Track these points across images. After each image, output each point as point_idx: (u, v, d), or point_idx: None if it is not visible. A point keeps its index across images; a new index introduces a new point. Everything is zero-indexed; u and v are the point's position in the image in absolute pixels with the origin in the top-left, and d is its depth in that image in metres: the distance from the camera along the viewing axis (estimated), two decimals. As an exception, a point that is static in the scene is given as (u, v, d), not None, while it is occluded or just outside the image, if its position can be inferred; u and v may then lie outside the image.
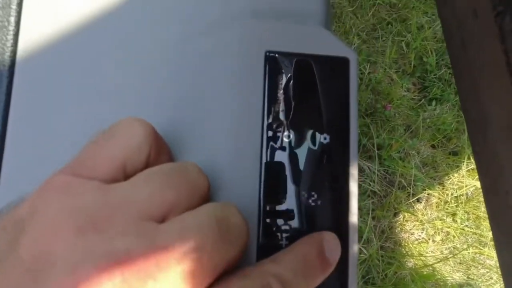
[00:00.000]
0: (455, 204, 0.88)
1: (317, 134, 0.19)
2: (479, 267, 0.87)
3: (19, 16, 0.19)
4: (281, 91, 0.19)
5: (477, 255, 0.87)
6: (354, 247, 0.18)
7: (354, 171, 0.19)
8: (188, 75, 0.19)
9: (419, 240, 0.85)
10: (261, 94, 0.19)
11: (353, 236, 0.18)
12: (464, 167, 0.90)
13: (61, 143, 0.18)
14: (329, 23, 0.22)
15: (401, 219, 0.86)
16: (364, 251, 0.79)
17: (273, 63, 0.19)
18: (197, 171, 0.15)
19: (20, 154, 0.17)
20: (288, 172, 0.18)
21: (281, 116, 0.19)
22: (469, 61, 0.43)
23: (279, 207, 0.18)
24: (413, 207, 0.87)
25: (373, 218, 0.83)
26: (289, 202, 0.18)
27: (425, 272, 0.81)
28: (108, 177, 0.13)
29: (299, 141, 0.18)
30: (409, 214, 0.87)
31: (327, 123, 0.19)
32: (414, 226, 0.86)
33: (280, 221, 0.17)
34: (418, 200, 0.88)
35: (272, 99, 0.19)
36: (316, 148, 0.18)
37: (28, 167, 0.17)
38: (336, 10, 0.96)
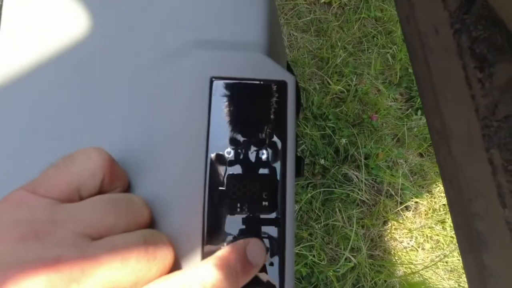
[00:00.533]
0: (444, 211, 0.89)
1: (256, 150, 0.21)
2: (470, 275, 0.87)
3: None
4: (225, 113, 0.21)
5: (468, 262, 0.87)
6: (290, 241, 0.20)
7: (290, 183, 0.21)
8: (141, 104, 0.21)
9: (409, 248, 0.86)
10: (206, 117, 0.21)
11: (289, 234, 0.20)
12: (451, 175, 0.91)
13: (23, 166, 0.20)
14: (276, 48, 0.24)
15: (390, 227, 0.87)
16: (353, 259, 0.80)
17: (217, 88, 0.21)
18: (141, 203, 0.17)
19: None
20: (230, 188, 0.20)
21: (225, 136, 0.21)
22: (431, 75, 0.46)
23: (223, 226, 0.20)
24: (402, 215, 0.88)
25: (362, 226, 0.84)
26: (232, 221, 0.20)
27: (415, 280, 0.82)
28: (63, 197, 0.15)
29: (240, 157, 0.20)
30: (398, 223, 0.87)
31: (266, 140, 0.21)
32: (403, 234, 0.87)
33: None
34: (406, 208, 0.89)
35: (216, 121, 0.21)
36: (254, 162, 0.21)
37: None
38: (323, 25, 0.99)
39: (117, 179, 0.18)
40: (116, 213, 0.16)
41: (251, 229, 0.20)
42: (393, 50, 1.00)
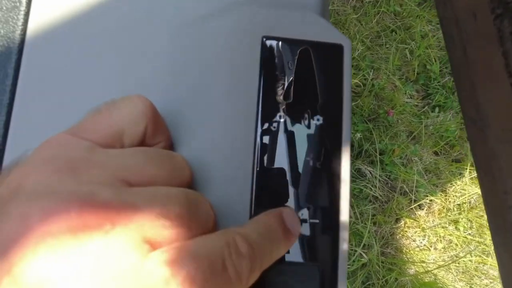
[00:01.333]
0: (458, 211, 0.87)
1: (311, 116, 0.19)
2: (482, 277, 0.85)
3: (30, -2, 0.20)
4: (276, 76, 0.20)
5: (481, 264, 0.86)
6: (345, 228, 0.19)
7: (346, 153, 0.19)
8: (188, 61, 0.20)
9: (421, 247, 0.84)
10: (257, 78, 0.19)
11: (344, 218, 0.19)
12: (467, 174, 0.90)
13: (64, 116, 0.19)
14: (325, 12, 0.22)
15: (403, 225, 0.85)
16: (365, 256, 0.78)
17: (269, 48, 0.20)
18: (184, 162, 0.16)
19: (25, 125, 0.18)
20: (283, 152, 0.19)
21: (276, 100, 0.19)
22: (468, 63, 0.44)
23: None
24: (415, 213, 0.86)
25: (374, 223, 0.83)
26: (282, 183, 0.19)
27: (426, 280, 0.80)
28: (104, 142, 0.14)
29: (293, 123, 0.19)
30: (411, 221, 0.86)
31: (321, 106, 0.19)
32: (415, 232, 0.85)
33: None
34: (420, 207, 0.87)
35: (267, 83, 0.19)
36: (310, 129, 0.19)
37: (33, 137, 0.18)
38: (341, 17, 0.97)
39: (160, 132, 0.17)
40: (158, 164, 0.14)
41: (303, 200, 0.18)
42: (411, 46, 0.98)
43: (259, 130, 0.19)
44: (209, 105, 0.19)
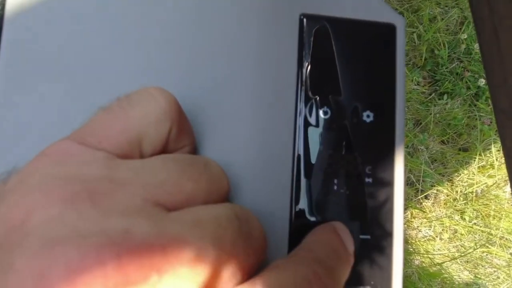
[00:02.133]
0: (464, 201, 0.86)
1: (360, 111, 0.16)
2: (486, 266, 0.85)
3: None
4: (318, 61, 0.16)
5: (485, 254, 0.85)
6: (399, 245, 0.16)
7: (400, 156, 0.16)
8: (212, 46, 0.16)
9: (427, 238, 0.83)
10: (295, 66, 0.16)
11: (398, 237, 0.16)
12: (474, 164, 0.88)
13: (56, 114, 0.15)
14: None
15: (409, 215, 0.83)
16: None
17: (308, 28, 0.16)
18: (220, 169, 0.13)
19: (6, 124, 0.14)
20: (328, 154, 0.16)
21: (318, 89, 0.16)
22: (500, 48, 0.40)
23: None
24: (421, 203, 0.85)
25: (379, 214, 0.81)
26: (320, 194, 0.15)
27: (431, 270, 0.79)
28: (120, 151, 0.11)
29: (338, 118, 0.16)
30: (417, 211, 0.84)
31: (370, 98, 0.16)
32: (421, 223, 0.84)
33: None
34: (426, 197, 0.85)
35: (306, 72, 0.16)
36: (359, 127, 0.16)
37: (17, 140, 0.14)
38: None
39: (185, 133, 0.13)
40: (195, 179, 0.11)
41: (351, 212, 0.15)
42: (419, 30, 0.94)
43: (299, 128, 0.15)
44: (238, 99, 0.15)
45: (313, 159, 0.15)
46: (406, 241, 0.82)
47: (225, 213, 0.11)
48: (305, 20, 0.16)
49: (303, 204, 0.15)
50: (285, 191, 0.15)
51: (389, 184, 0.16)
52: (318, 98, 0.16)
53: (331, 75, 0.16)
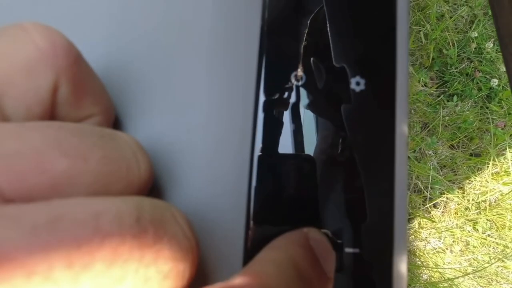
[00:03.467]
0: (477, 211, 0.79)
1: (349, 79, 0.11)
2: (502, 282, 0.78)
3: None
4: (289, 20, 0.12)
5: (500, 268, 0.78)
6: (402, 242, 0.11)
7: (402, 136, 0.12)
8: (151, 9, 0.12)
9: (436, 250, 0.77)
10: (259, 16, 0.12)
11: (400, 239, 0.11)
12: (487, 170, 0.82)
13: None
14: None
15: (416, 225, 0.77)
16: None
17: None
18: (136, 148, 0.09)
19: None
20: (298, 134, 0.11)
21: (290, 51, 0.12)
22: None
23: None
24: (430, 212, 0.79)
25: (384, 223, 0.75)
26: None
27: (441, 286, 0.73)
28: None
29: (316, 85, 0.11)
30: (425, 220, 0.78)
31: (361, 62, 0.11)
32: (430, 233, 0.78)
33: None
34: (435, 206, 0.79)
35: (273, 32, 0.12)
36: (341, 96, 0.11)
37: None
38: (349, -3, 0.89)
39: (89, 96, 0.10)
40: (78, 150, 0.08)
41: (332, 217, 0.11)
42: (426, 29, 0.89)
43: (262, 101, 0.11)
44: (188, 64, 0.11)
45: (277, 143, 0.11)
46: (413, 254, 0.75)
47: (118, 210, 0.07)
48: None
49: (264, 205, 0.11)
50: (242, 187, 0.11)
51: (386, 179, 0.11)
52: (291, 63, 0.11)
53: (308, 29, 0.11)
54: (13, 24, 0.09)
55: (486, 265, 0.75)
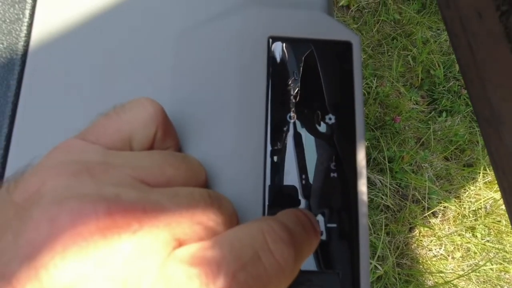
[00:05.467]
0: (474, 218, 0.84)
1: (323, 116, 0.18)
2: (505, 286, 0.81)
3: (33, 9, 0.20)
4: (285, 76, 0.19)
5: (502, 273, 0.82)
6: (364, 221, 0.18)
7: (361, 151, 0.18)
8: (195, 62, 0.19)
9: (438, 257, 0.81)
10: (265, 79, 0.19)
11: (363, 222, 0.18)
12: (480, 179, 0.87)
13: (67, 127, 0.18)
14: (331, 10, 0.22)
15: (417, 234, 0.82)
16: (380, 268, 0.75)
17: (276, 48, 0.19)
18: (198, 162, 0.16)
19: (28, 137, 0.18)
20: (292, 155, 0.18)
21: (285, 100, 0.19)
22: (476, 62, 0.43)
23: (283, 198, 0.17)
24: (429, 221, 0.84)
25: (387, 233, 0.80)
26: (292, 186, 0.18)
27: (446, 291, 0.77)
28: (113, 146, 0.14)
29: (304, 122, 0.18)
30: (426, 229, 0.83)
31: (332, 104, 0.19)
32: (431, 241, 0.82)
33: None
34: (434, 214, 0.84)
35: (275, 83, 0.19)
36: (321, 128, 0.18)
37: (35, 149, 0.17)
38: (341, 28, 0.98)
39: (169, 136, 0.16)
40: (175, 166, 0.14)
41: (318, 202, 0.17)
42: (413, 53, 0.98)
43: (269, 131, 0.18)
44: (216, 108, 0.18)
45: (283, 156, 0.18)
46: (416, 261, 0.80)
47: (199, 191, 0.13)
48: (272, 41, 0.19)
49: (274, 196, 0.17)
50: (258, 184, 0.17)
51: (353, 176, 0.18)
52: (285, 106, 0.18)
53: (298, 86, 0.19)
54: (136, 99, 0.15)
55: (485, 267, 0.79)
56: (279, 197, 0.17)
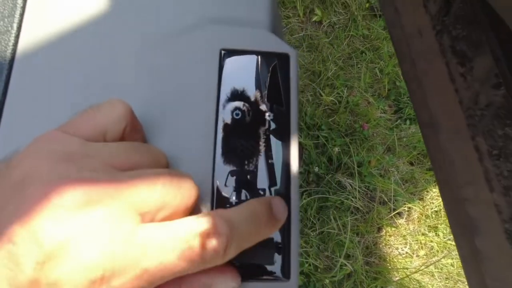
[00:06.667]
0: (436, 218, 0.90)
1: (262, 113, 0.23)
2: (466, 282, 0.87)
3: (20, 23, 0.23)
4: (233, 81, 0.23)
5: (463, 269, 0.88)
6: (296, 199, 0.22)
7: (294, 139, 0.23)
8: (158, 69, 0.23)
9: (403, 255, 0.86)
10: (216, 83, 0.23)
11: (295, 190, 0.22)
12: (441, 182, 0.94)
13: (50, 123, 0.22)
14: (276, 28, 0.27)
15: (385, 234, 0.87)
16: (349, 266, 0.80)
17: (227, 58, 0.24)
18: (160, 150, 0.19)
19: (13, 131, 0.21)
20: (236, 143, 0.22)
21: (232, 100, 0.23)
22: (418, 74, 0.49)
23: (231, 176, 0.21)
24: (396, 222, 0.89)
25: (357, 234, 0.85)
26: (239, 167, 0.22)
27: (411, 287, 0.82)
28: (90, 138, 0.17)
29: (246, 117, 0.22)
30: (393, 229, 0.88)
31: (271, 104, 0.23)
32: (397, 241, 0.88)
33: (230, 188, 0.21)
34: (399, 215, 0.90)
35: (225, 87, 0.23)
36: (260, 122, 0.22)
37: (20, 141, 0.20)
38: (314, 41, 1.05)
39: (136, 130, 0.19)
40: (139, 152, 0.17)
41: (255, 189, 0.21)
42: (380, 65, 1.05)
43: (220, 125, 0.22)
44: (176, 107, 0.22)
45: (229, 146, 0.22)
46: (384, 259, 0.85)
47: (160, 171, 0.16)
48: (223, 52, 0.23)
49: (222, 179, 0.21)
50: (208, 167, 0.21)
51: (287, 160, 0.22)
52: (232, 104, 0.22)
53: (243, 88, 0.23)
54: (109, 100, 0.18)
55: (446, 262, 0.85)
56: (228, 178, 0.21)
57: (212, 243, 0.15)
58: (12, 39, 0.23)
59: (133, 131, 0.19)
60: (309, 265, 0.80)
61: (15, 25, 0.23)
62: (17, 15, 0.23)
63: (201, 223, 0.15)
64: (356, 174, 0.89)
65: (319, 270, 0.80)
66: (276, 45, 0.24)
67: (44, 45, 0.23)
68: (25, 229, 0.12)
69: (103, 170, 0.15)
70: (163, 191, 0.15)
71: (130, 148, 0.17)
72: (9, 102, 0.22)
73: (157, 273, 0.14)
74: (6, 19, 0.23)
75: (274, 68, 0.24)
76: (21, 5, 0.23)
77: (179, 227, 0.15)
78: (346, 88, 1.00)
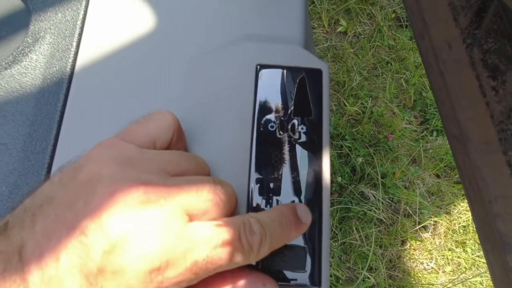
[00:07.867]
0: (464, 233, 0.87)
1: (297, 125, 0.24)
2: (495, 302, 0.83)
3: (79, 42, 0.26)
4: (269, 94, 0.25)
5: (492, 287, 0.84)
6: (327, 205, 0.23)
7: (326, 151, 0.24)
8: (201, 83, 0.25)
9: (429, 270, 0.84)
10: (253, 96, 0.25)
11: (326, 198, 0.23)
12: (469, 196, 0.91)
13: (105, 131, 0.24)
14: (309, 43, 0.28)
15: (409, 247, 0.85)
16: (372, 279, 0.78)
17: (262, 73, 0.25)
18: (203, 159, 0.21)
19: (72, 138, 0.23)
20: (271, 155, 0.23)
21: (268, 112, 0.24)
22: (447, 87, 0.49)
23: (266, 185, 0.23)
24: (421, 236, 0.87)
25: (380, 246, 0.83)
26: (275, 179, 0.23)
27: (436, 304, 0.79)
28: (142, 145, 0.19)
29: (283, 130, 0.24)
30: (417, 243, 0.86)
31: (303, 118, 0.24)
32: (422, 255, 0.85)
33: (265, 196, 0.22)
34: (425, 229, 0.88)
35: (261, 100, 0.24)
36: (295, 135, 0.24)
37: (78, 147, 0.23)
38: (339, 51, 1.05)
39: (181, 139, 0.21)
40: (187, 160, 0.19)
41: (291, 193, 0.22)
42: (406, 76, 1.04)
43: (255, 136, 0.23)
44: (216, 118, 0.24)
45: (266, 156, 0.23)
46: (408, 274, 0.82)
47: (206, 178, 0.18)
48: (258, 67, 0.25)
49: (259, 186, 0.22)
50: (244, 175, 0.23)
51: (319, 170, 0.23)
52: (268, 117, 0.24)
53: (279, 102, 0.24)
54: (158, 111, 0.20)
55: (474, 280, 0.81)
56: (261, 186, 0.23)
57: (248, 240, 0.17)
58: (71, 56, 0.25)
59: (179, 140, 0.21)
60: (331, 275, 0.79)
61: (74, 44, 0.26)
62: (76, 35, 0.26)
63: (238, 223, 0.17)
64: (380, 185, 0.87)
65: (340, 281, 0.79)
66: (309, 60, 0.26)
67: (99, 61, 0.25)
68: (95, 222, 0.14)
69: (157, 174, 0.17)
70: (208, 197, 0.17)
71: (179, 156, 0.19)
72: (68, 112, 0.24)
73: (203, 266, 0.16)
74: (67, 39, 0.26)
75: (306, 83, 0.25)
76: (80, 26, 0.26)
77: (221, 225, 0.17)
78: (370, 99, 0.99)
